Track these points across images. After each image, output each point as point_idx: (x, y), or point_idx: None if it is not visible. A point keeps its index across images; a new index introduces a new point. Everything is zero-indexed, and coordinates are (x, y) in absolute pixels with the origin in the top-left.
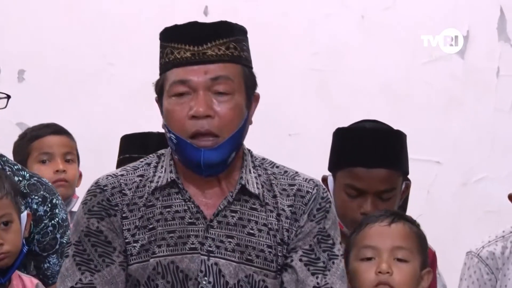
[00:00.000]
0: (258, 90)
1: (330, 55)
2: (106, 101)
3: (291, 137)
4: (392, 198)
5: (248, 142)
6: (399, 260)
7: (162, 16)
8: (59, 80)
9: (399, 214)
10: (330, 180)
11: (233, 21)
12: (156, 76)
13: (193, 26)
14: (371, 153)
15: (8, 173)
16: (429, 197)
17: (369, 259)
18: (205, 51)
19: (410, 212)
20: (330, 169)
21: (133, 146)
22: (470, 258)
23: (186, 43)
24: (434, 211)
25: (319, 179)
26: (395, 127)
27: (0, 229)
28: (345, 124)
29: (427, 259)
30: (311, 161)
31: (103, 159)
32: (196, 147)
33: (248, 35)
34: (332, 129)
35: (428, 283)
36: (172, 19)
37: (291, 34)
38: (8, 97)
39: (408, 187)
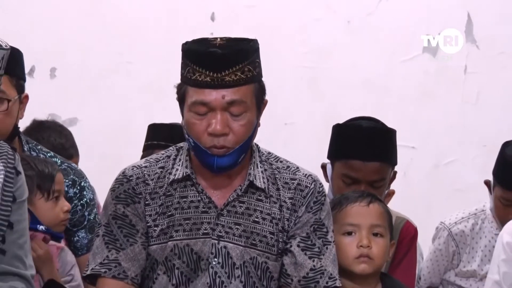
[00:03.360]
0: None
1: (320, 54)
2: (124, 94)
3: (287, 125)
4: (382, 186)
5: None
6: (376, 235)
7: (172, 21)
8: (84, 77)
9: (374, 195)
10: (329, 167)
11: (235, 25)
12: (166, 72)
13: (213, 54)
14: (366, 148)
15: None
16: (406, 178)
17: (350, 234)
18: (223, 77)
19: None
20: (329, 158)
21: (160, 135)
22: (442, 230)
23: (206, 69)
24: (410, 190)
25: (311, 162)
26: (376, 117)
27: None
28: (333, 114)
29: (392, 233)
30: (304, 146)
31: (121, 145)
32: (211, 154)
33: (255, 39)
34: (322, 118)
35: (391, 253)
36: (182, 24)
37: (285, 35)
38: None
39: (395, 174)
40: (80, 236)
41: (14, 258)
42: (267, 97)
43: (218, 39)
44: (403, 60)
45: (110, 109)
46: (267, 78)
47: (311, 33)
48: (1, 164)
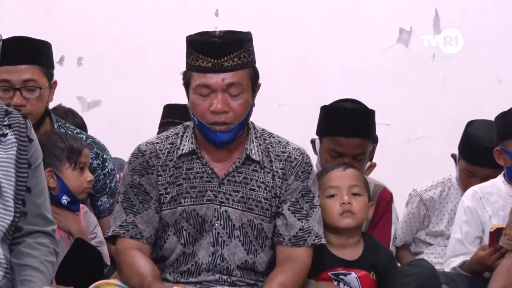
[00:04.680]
0: None
1: (309, 45)
2: (141, 80)
3: (281, 106)
4: (363, 159)
5: None
6: (355, 194)
7: (182, 17)
8: (107, 65)
9: (349, 163)
10: (317, 142)
11: (236, 20)
12: (178, 62)
13: (213, 43)
14: (350, 126)
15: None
16: (382, 151)
17: (332, 196)
18: (222, 63)
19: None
20: (317, 134)
21: (175, 113)
22: (414, 196)
23: (208, 56)
24: (386, 161)
25: (302, 137)
26: (357, 99)
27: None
28: (321, 96)
29: (369, 196)
30: (295, 124)
31: (139, 123)
32: (213, 131)
33: (248, 31)
34: (311, 101)
35: (372, 213)
36: (191, 19)
37: (279, 29)
38: None
39: (374, 148)
40: (102, 201)
41: (36, 216)
42: (264, 82)
43: (217, 32)
44: (380, 49)
45: (130, 93)
46: (263, 65)
47: (301, 27)
48: (14, 136)
